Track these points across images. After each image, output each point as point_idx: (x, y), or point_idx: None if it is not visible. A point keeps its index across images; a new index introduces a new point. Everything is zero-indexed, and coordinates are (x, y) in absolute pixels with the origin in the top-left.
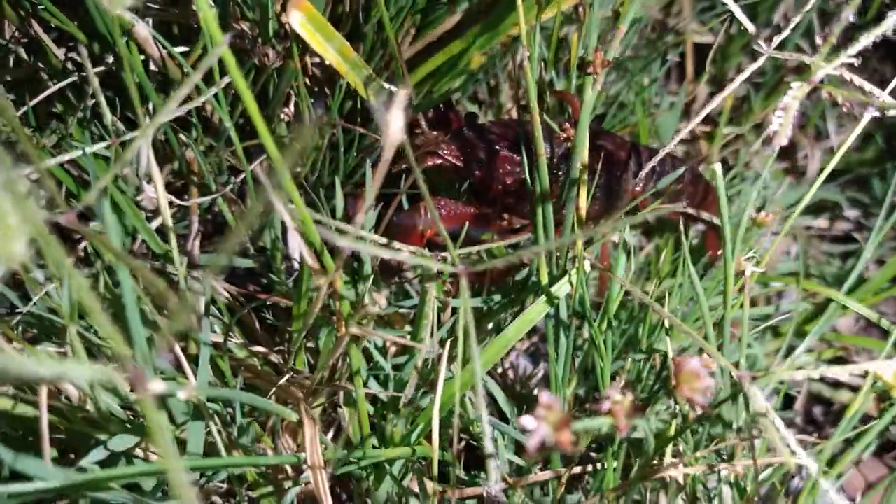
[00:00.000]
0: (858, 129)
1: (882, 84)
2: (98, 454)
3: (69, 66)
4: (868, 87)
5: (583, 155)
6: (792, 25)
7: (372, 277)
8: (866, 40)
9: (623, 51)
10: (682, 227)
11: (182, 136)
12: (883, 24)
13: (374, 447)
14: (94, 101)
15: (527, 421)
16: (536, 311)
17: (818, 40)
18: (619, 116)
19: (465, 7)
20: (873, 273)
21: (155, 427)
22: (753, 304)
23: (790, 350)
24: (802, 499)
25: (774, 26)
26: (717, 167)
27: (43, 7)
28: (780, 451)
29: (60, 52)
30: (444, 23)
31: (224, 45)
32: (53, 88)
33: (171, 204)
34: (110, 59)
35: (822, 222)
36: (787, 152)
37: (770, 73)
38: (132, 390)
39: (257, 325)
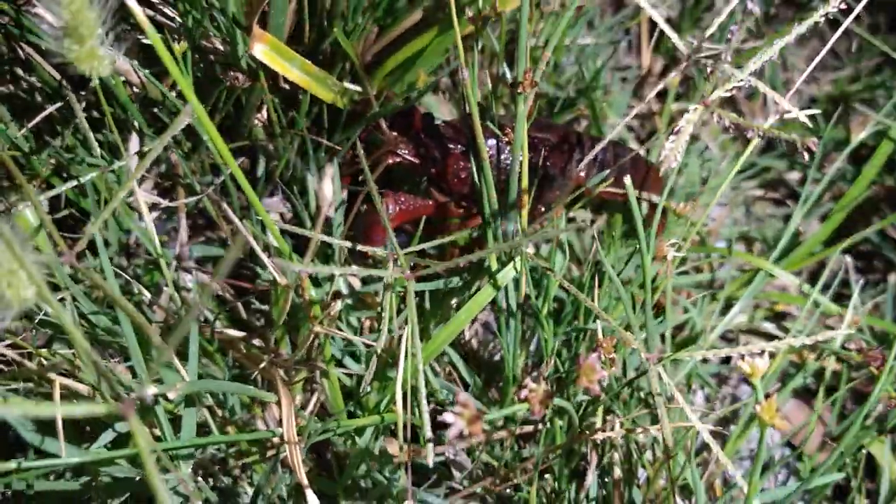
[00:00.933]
0: (749, 151)
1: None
2: (108, 436)
3: (65, 82)
4: (771, 94)
5: (522, 163)
6: (712, 29)
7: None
8: (758, 63)
9: (575, 37)
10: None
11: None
12: (776, 46)
13: (350, 413)
14: (92, 112)
15: (447, 417)
16: (485, 294)
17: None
18: (572, 102)
19: (425, 4)
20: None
21: (140, 439)
22: (699, 270)
23: (725, 312)
24: (730, 445)
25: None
26: (627, 179)
27: (29, 30)
28: (664, 420)
29: (55, 70)
30: (405, 20)
31: (187, 118)
32: (45, 112)
33: (158, 206)
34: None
35: (760, 191)
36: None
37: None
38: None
39: (244, 313)
